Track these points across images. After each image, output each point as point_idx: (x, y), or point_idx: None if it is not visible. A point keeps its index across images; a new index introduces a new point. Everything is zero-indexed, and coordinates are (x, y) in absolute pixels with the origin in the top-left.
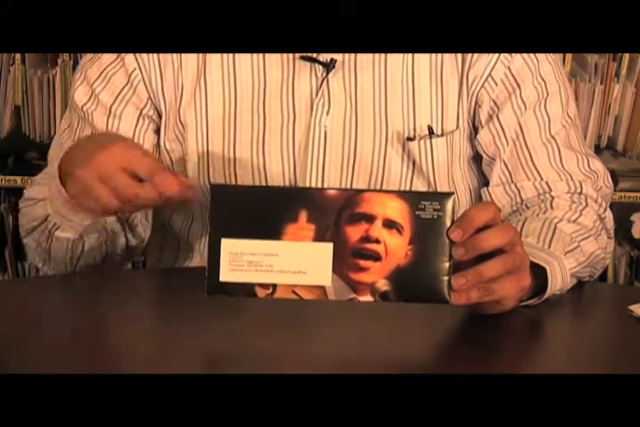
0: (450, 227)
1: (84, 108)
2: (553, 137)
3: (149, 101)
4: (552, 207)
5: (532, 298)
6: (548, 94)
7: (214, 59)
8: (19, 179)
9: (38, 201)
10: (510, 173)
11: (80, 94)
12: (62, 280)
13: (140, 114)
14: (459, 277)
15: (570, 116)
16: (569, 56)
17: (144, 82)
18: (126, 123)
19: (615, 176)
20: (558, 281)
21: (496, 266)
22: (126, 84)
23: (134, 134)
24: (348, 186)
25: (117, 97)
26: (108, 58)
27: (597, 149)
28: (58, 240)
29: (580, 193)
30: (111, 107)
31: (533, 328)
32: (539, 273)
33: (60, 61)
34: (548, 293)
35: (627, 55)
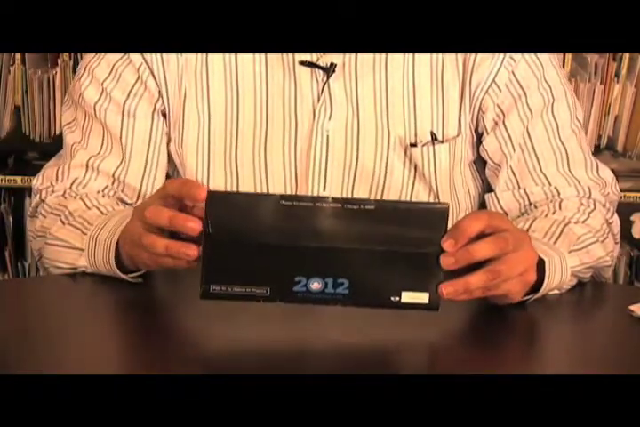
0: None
1: (97, 107)
2: (562, 143)
3: (160, 96)
4: (560, 208)
5: (530, 293)
6: (554, 99)
7: (217, 64)
8: (19, 179)
9: (69, 248)
10: (517, 180)
11: (90, 93)
12: (62, 280)
13: (154, 109)
14: (447, 286)
15: (579, 120)
16: (569, 56)
17: (153, 76)
18: (141, 121)
19: (615, 176)
20: (557, 276)
21: (481, 278)
22: (137, 79)
23: (151, 132)
24: (350, 191)
25: (130, 93)
26: (113, 55)
27: (597, 149)
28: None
29: (589, 197)
30: (124, 104)
31: (534, 328)
32: (539, 266)
33: (60, 61)
34: (545, 286)
35: (627, 55)
